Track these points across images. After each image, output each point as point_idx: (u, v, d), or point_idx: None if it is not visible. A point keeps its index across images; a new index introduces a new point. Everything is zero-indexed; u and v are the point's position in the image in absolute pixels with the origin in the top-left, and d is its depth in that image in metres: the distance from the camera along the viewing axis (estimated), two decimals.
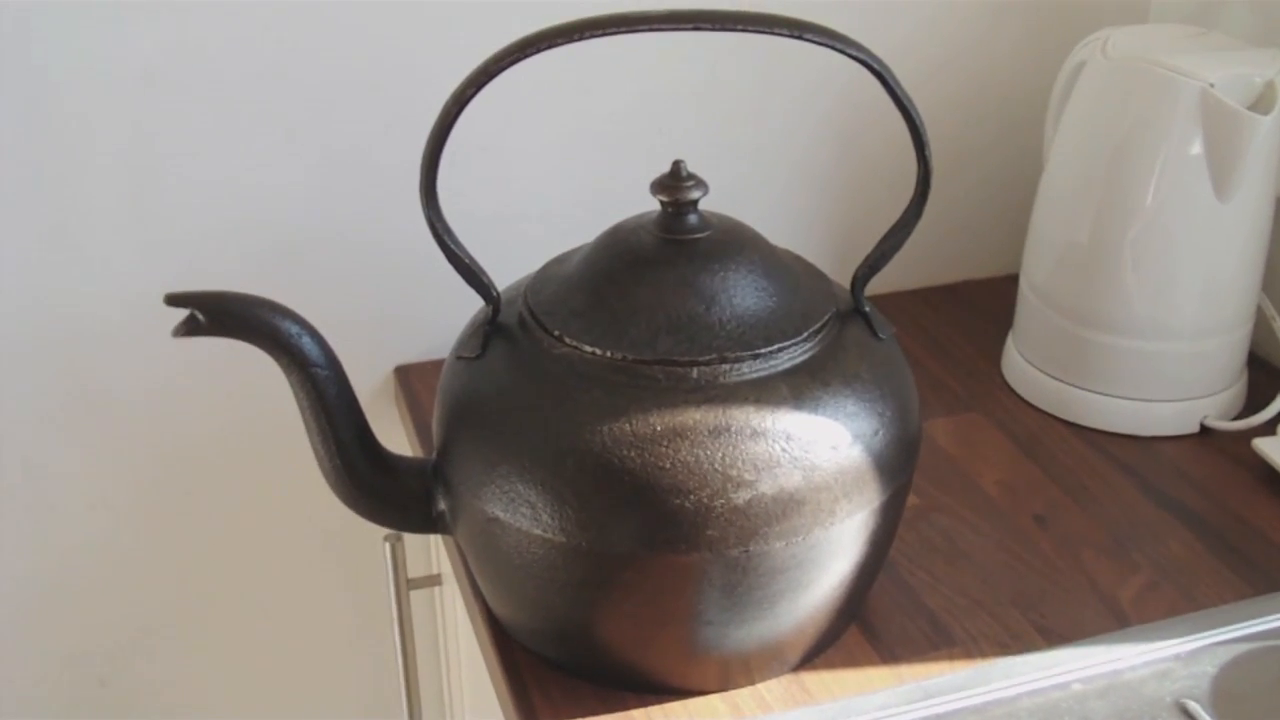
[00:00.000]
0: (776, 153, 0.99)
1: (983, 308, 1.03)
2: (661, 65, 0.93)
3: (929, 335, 0.99)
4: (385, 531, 0.86)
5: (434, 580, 0.96)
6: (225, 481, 0.97)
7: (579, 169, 0.94)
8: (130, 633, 1.00)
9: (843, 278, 0.70)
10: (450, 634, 0.99)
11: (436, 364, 0.95)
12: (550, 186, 0.94)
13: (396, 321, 0.95)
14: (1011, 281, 1.02)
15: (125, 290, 0.88)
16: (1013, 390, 0.92)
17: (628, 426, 0.59)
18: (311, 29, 0.85)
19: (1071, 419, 0.88)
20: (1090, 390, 0.87)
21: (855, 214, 1.03)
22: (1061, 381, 0.88)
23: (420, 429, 0.89)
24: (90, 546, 0.96)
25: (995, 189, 1.06)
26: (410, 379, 0.94)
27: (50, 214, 0.85)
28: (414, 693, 0.93)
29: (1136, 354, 0.85)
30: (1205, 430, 0.86)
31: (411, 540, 0.89)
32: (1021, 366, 0.91)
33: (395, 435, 0.94)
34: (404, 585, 0.91)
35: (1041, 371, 0.89)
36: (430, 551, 1.01)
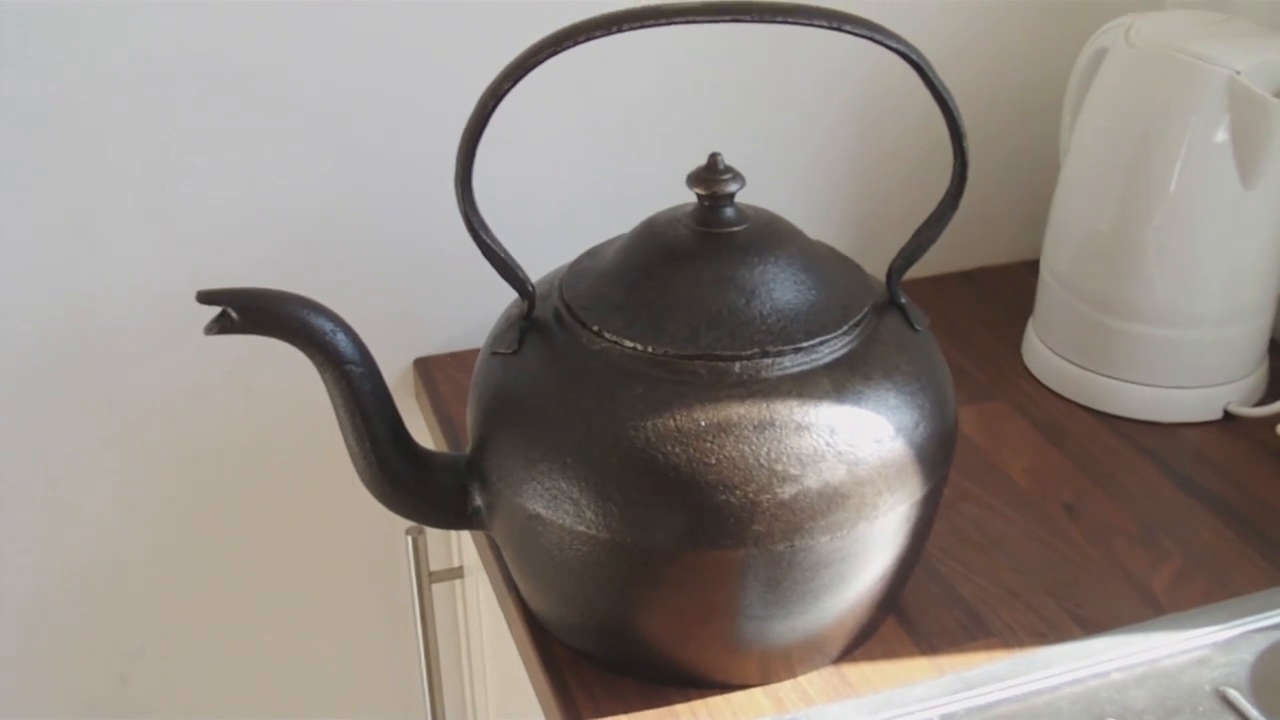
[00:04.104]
0: (794, 142, 0.99)
1: (1000, 294, 1.03)
2: (679, 56, 0.93)
3: (947, 323, 0.99)
4: (406, 525, 0.86)
5: (455, 573, 0.96)
6: (245, 479, 0.96)
7: (598, 160, 0.94)
8: (151, 629, 1.00)
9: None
10: (473, 626, 0.99)
11: (457, 356, 0.95)
12: (569, 178, 0.94)
13: (415, 314, 0.95)
14: (1027, 268, 1.03)
15: (145, 288, 0.88)
16: (1034, 377, 0.92)
17: (671, 422, 0.58)
18: (329, 26, 0.84)
19: (1094, 406, 0.88)
20: (1113, 377, 0.87)
21: (872, 203, 1.02)
22: (1084, 368, 0.88)
23: (442, 421, 0.89)
24: (111, 543, 0.95)
25: (1011, 176, 1.06)
26: (430, 371, 0.94)
27: (70, 215, 0.85)
28: (436, 685, 0.93)
29: (1160, 341, 0.85)
30: (1228, 416, 0.86)
31: (432, 533, 0.89)
32: (1043, 354, 0.91)
33: (416, 428, 0.93)
34: (426, 579, 0.90)
35: (1064, 359, 0.89)
36: (451, 545, 1.01)
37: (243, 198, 0.88)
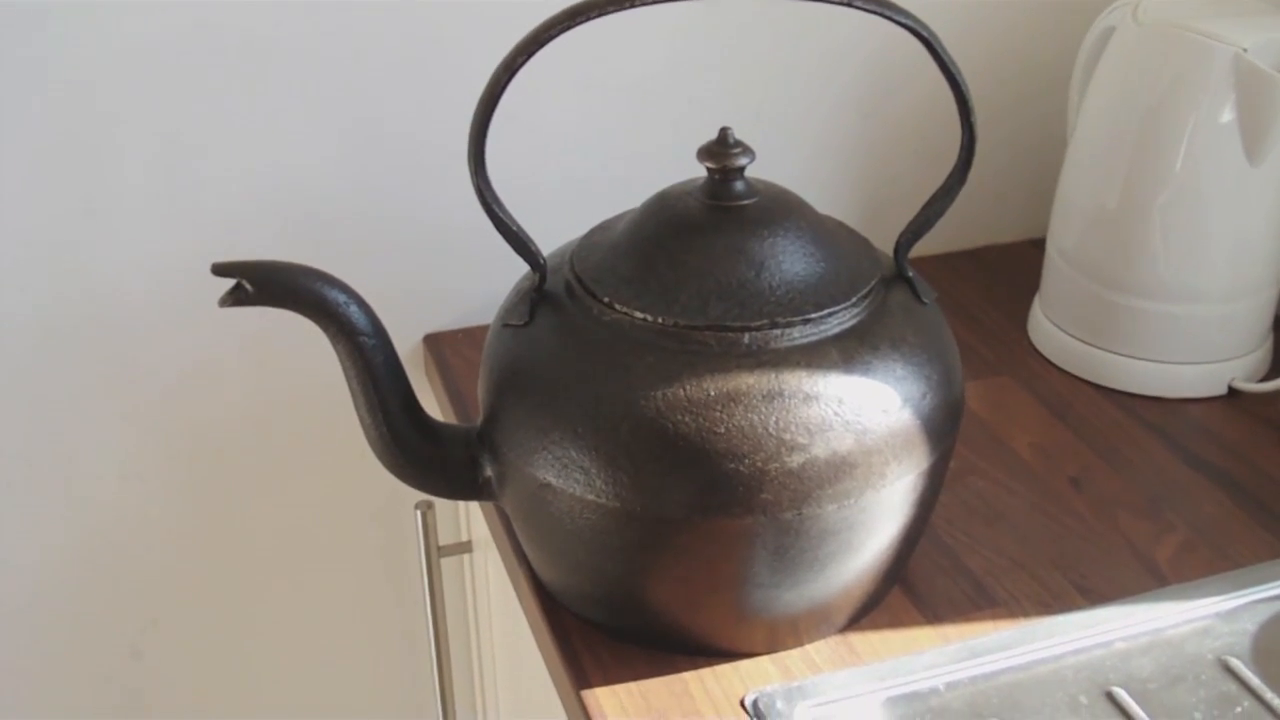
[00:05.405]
0: (801, 117, 0.99)
1: (1006, 272, 1.04)
2: (687, 32, 0.93)
3: (954, 300, 0.99)
4: (415, 500, 0.87)
5: (464, 548, 0.97)
6: (256, 453, 0.97)
7: (609, 135, 0.94)
8: (163, 603, 1.01)
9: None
10: (480, 600, 1.00)
11: (467, 331, 0.96)
12: (580, 153, 0.94)
13: (425, 291, 0.95)
14: (1033, 246, 1.03)
15: (156, 263, 0.89)
16: (1040, 354, 0.92)
17: (681, 392, 0.59)
18: (340, 3, 0.84)
19: (1100, 382, 0.88)
20: (1119, 353, 0.87)
21: (880, 178, 1.03)
22: (1090, 345, 0.89)
23: (452, 396, 0.89)
24: (123, 518, 0.96)
25: (1018, 154, 1.06)
26: (440, 347, 0.95)
27: (83, 194, 0.85)
28: (444, 658, 0.94)
29: (1165, 317, 0.85)
30: (1233, 392, 0.87)
31: (441, 508, 0.90)
32: (1049, 330, 0.92)
33: (426, 403, 0.94)
34: (435, 553, 0.91)
35: (1069, 335, 0.90)
36: (459, 519, 1.02)
37: (254, 175, 0.88)
